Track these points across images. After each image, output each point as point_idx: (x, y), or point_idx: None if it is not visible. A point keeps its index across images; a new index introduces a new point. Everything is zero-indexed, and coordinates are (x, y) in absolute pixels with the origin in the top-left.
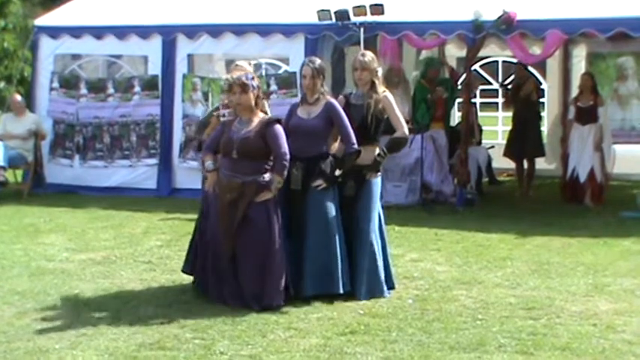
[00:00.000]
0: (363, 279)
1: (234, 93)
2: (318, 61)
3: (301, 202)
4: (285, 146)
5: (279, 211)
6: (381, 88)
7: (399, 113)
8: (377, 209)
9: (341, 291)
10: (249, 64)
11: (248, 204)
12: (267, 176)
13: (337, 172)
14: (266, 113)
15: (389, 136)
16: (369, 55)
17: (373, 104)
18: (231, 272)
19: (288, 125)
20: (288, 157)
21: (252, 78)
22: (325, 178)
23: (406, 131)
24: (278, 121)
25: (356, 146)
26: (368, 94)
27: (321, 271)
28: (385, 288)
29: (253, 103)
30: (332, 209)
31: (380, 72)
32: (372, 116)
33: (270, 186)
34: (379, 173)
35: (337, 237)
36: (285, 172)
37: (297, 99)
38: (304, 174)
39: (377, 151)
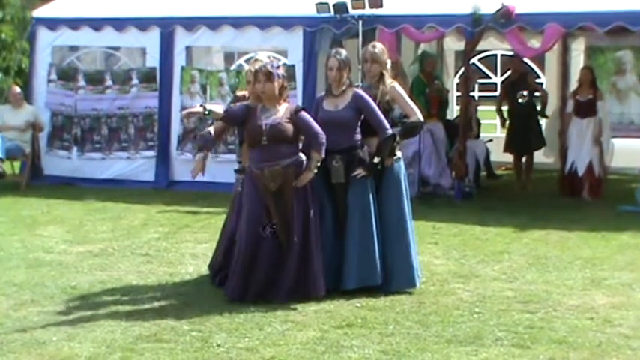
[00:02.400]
0: (395, 269)
1: (259, 81)
2: (344, 52)
3: (343, 195)
4: (318, 127)
5: (317, 205)
6: (388, 80)
7: (409, 100)
8: (406, 195)
9: (380, 282)
10: (269, 58)
11: (294, 190)
12: (301, 156)
13: (376, 160)
14: (288, 102)
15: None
16: (380, 47)
17: (380, 95)
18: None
19: (317, 118)
20: (324, 136)
21: (278, 67)
22: (365, 167)
23: (420, 117)
24: (304, 109)
25: (390, 131)
26: (376, 85)
27: (363, 264)
28: (417, 277)
29: (277, 92)
30: (371, 201)
31: (389, 64)
32: (379, 107)
33: (309, 165)
34: (398, 157)
35: (374, 228)
36: (323, 150)
37: (297, 92)
38: (345, 165)
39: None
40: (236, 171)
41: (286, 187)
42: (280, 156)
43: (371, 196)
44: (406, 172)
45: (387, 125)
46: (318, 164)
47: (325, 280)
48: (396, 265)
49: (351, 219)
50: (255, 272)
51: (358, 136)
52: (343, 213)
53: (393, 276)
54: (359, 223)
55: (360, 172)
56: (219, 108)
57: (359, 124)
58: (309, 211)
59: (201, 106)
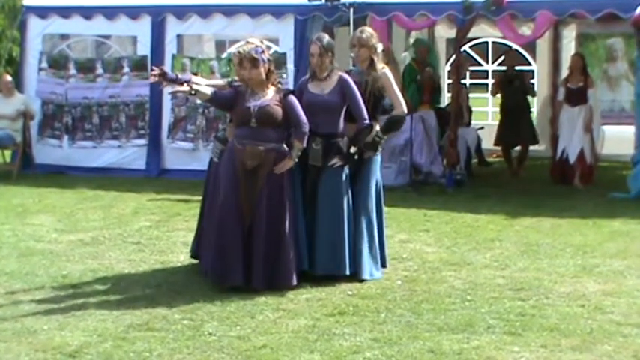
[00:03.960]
0: (365, 258)
1: (245, 68)
2: (326, 38)
3: (316, 179)
4: (303, 115)
5: (293, 189)
6: (380, 65)
7: (397, 91)
8: (377, 187)
9: (347, 272)
10: (261, 42)
11: (267, 175)
12: (285, 146)
13: (352, 150)
14: (277, 85)
15: (387, 116)
16: (368, 32)
17: (371, 82)
18: (244, 249)
19: (301, 101)
20: (307, 125)
21: (262, 52)
22: (341, 156)
23: (404, 109)
24: (292, 92)
25: (368, 121)
26: (367, 72)
27: (330, 252)
28: (379, 267)
29: (264, 76)
30: (344, 189)
31: (380, 49)
32: (370, 94)
33: (291, 153)
34: (378, 152)
35: (346, 218)
36: (305, 140)
37: (288, 79)
38: (323, 150)
39: (377, 128)
40: (216, 137)
41: (261, 169)
42: (266, 139)
43: (343, 185)
44: (383, 164)
45: (366, 115)
46: (299, 153)
47: (297, 267)
48: (367, 254)
49: (321, 207)
50: (227, 250)
51: (341, 124)
52: (312, 197)
53: (364, 264)
54: (329, 212)
55: (336, 161)
56: (206, 89)
57: (344, 110)
58: (283, 200)
59: (188, 85)
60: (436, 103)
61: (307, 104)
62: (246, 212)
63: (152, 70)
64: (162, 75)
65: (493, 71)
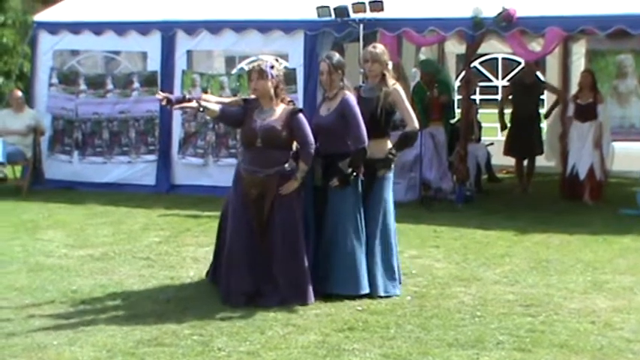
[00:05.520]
0: (379, 275)
1: (252, 79)
2: (336, 56)
3: (323, 200)
4: (311, 136)
5: (304, 209)
6: (391, 81)
7: (409, 107)
8: (390, 205)
9: (365, 292)
10: (276, 59)
11: (274, 199)
12: (288, 165)
13: (349, 171)
14: (289, 104)
15: (399, 132)
16: (380, 48)
17: (383, 97)
18: (256, 271)
19: (311, 123)
20: (314, 146)
21: (272, 67)
22: (341, 177)
23: (416, 125)
24: (301, 110)
25: (363, 145)
26: (378, 87)
27: (345, 271)
28: (398, 285)
29: (272, 91)
30: (350, 208)
31: (390, 65)
32: (381, 109)
33: (296, 174)
34: (391, 169)
35: (354, 236)
36: (310, 160)
37: (298, 95)
38: (323, 171)
39: (388, 144)
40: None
41: (266, 194)
42: (269, 162)
43: (351, 204)
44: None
45: (363, 138)
46: (304, 174)
47: (313, 285)
48: (381, 271)
49: (330, 226)
50: (239, 273)
51: (344, 145)
52: (321, 217)
53: (379, 281)
54: (334, 230)
55: (334, 181)
56: (214, 106)
57: (347, 129)
58: (295, 221)
59: (197, 102)
60: (448, 119)
61: (314, 126)
62: (258, 236)
63: (158, 94)
64: (167, 101)
65: (503, 87)
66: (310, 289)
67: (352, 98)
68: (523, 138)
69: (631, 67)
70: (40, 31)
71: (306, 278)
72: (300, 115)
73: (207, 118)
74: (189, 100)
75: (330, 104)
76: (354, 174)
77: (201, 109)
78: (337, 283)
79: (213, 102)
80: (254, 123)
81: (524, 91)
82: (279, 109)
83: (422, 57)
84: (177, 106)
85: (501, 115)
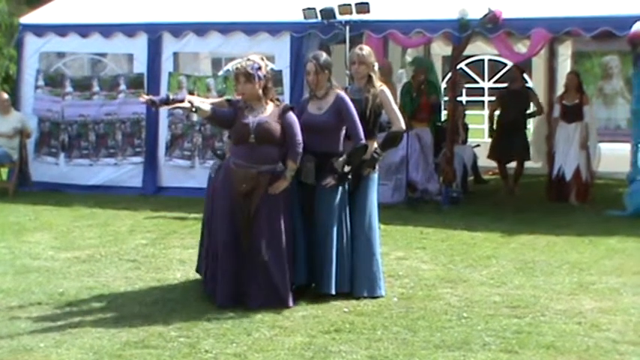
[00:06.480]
0: (362, 276)
1: (239, 82)
2: (323, 56)
3: (311, 197)
4: (299, 135)
5: (290, 208)
6: (377, 83)
7: (395, 107)
8: (374, 205)
9: (332, 292)
10: (262, 59)
11: (261, 196)
12: (280, 165)
13: (346, 169)
14: (277, 103)
15: (384, 133)
16: (367, 49)
17: (371, 98)
18: (240, 270)
19: (300, 120)
20: (302, 145)
21: (259, 68)
22: (336, 175)
23: (402, 125)
24: (292, 108)
25: (364, 141)
26: (365, 88)
27: (330, 271)
28: (382, 285)
29: (260, 92)
30: (338, 207)
31: (377, 66)
32: (370, 111)
33: (285, 174)
34: (376, 169)
35: (337, 235)
36: (299, 160)
37: (284, 97)
38: (316, 168)
39: (375, 145)
40: (214, 153)
41: (256, 191)
42: (262, 159)
43: (338, 203)
44: (380, 181)
45: (362, 135)
46: (292, 173)
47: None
48: (363, 272)
49: (317, 224)
50: (224, 270)
51: (339, 143)
52: (308, 215)
53: (361, 282)
54: (320, 229)
55: (329, 181)
56: (206, 106)
57: (342, 129)
58: (280, 220)
59: (189, 102)
60: (436, 121)
61: (305, 124)
62: (244, 232)
63: (141, 96)
64: (151, 102)
65: (489, 88)
66: (290, 292)
67: (346, 96)
68: (504, 144)
69: (617, 68)
70: (26, 33)
71: (286, 281)
72: (291, 114)
73: (195, 119)
74: (180, 101)
75: (320, 103)
76: (349, 173)
77: (193, 109)
78: (322, 283)
79: (200, 102)
80: (246, 119)
81: (510, 97)
82: (270, 107)
83: (408, 58)
84: (170, 106)
85: (492, 119)
